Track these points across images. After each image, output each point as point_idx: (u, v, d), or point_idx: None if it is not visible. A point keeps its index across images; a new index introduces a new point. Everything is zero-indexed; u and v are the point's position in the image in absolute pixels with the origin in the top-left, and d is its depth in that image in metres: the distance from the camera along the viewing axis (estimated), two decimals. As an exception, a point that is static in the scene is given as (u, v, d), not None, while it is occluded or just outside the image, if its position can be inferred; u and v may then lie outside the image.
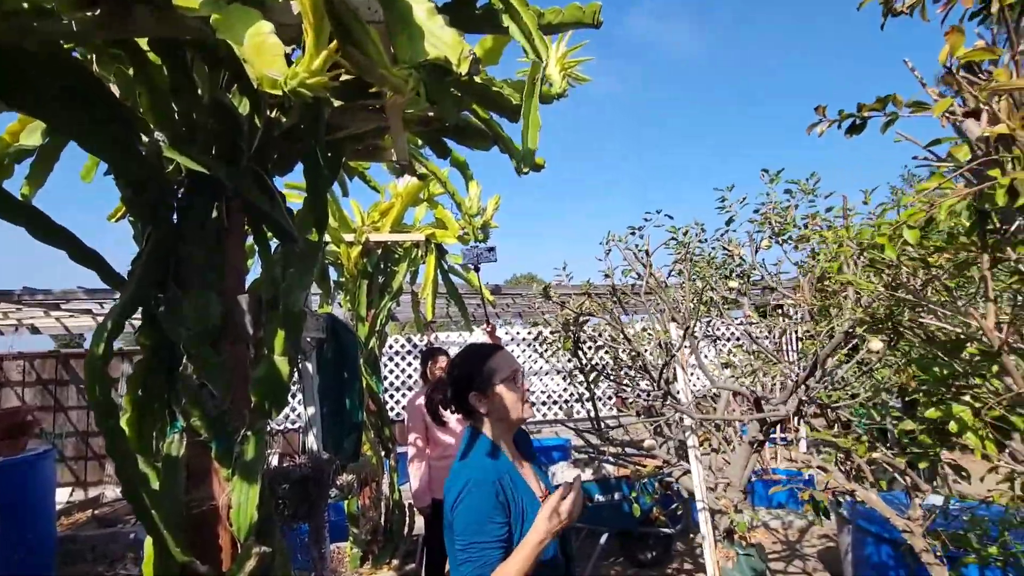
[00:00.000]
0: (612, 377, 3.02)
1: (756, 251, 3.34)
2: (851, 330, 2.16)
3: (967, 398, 0.91)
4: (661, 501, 4.65)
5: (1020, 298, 1.12)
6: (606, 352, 3.22)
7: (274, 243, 1.65)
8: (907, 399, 2.05)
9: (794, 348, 5.59)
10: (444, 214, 3.46)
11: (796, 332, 2.66)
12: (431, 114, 1.76)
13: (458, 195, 2.28)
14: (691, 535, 5.14)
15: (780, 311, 5.39)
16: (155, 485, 1.31)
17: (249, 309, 1.45)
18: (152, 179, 1.36)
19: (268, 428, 1.43)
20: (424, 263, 3.52)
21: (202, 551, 1.33)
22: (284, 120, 1.49)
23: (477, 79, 1.49)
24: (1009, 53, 1.02)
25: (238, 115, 1.47)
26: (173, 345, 1.34)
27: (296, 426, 6.72)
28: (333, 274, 3.54)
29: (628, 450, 3.56)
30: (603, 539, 4.45)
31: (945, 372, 0.95)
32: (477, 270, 3.11)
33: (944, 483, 1.96)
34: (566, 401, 7.92)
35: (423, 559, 3.23)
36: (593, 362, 3.22)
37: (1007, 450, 0.90)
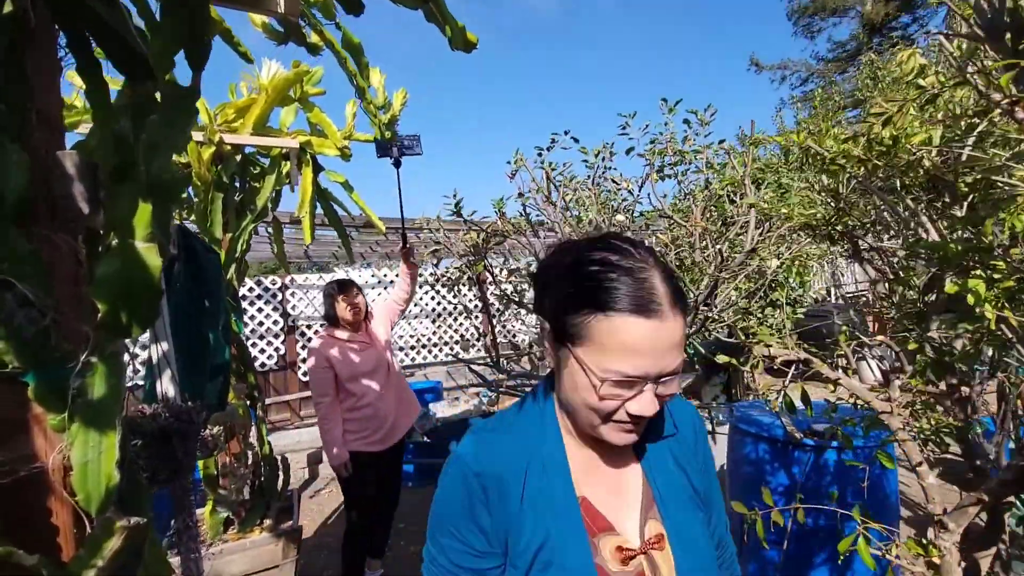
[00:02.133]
0: (522, 303, 2.88)
1: (642, 185, 3.41)
2: (753, 248, 2.29)
3: (979, 272, 0.90)
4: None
5: None
6: (508, 283, 3.07)
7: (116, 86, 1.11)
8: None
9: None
10: (322, 118, 2.88)
11: (693, 258, 2.77)
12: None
13: (360, 78, 1.83)
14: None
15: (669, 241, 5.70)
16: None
17: (79, 176, 0.95)
18: None
19: (124, 351, 0.98)
20: (289, 179, 2.93)
21: (24, 536, 0.88)
22: None
23: None
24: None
25: None
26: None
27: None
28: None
29: (523, 381, 3.52)
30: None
31: (960, 249, 0.93)
32: (397, 165, 2.64)
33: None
34: (435, 344, 7.74)
35: (348, 528, 2.89)
36: (498, 293, 3.03)
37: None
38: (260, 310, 6.49)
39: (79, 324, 0.95)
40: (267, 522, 2.86)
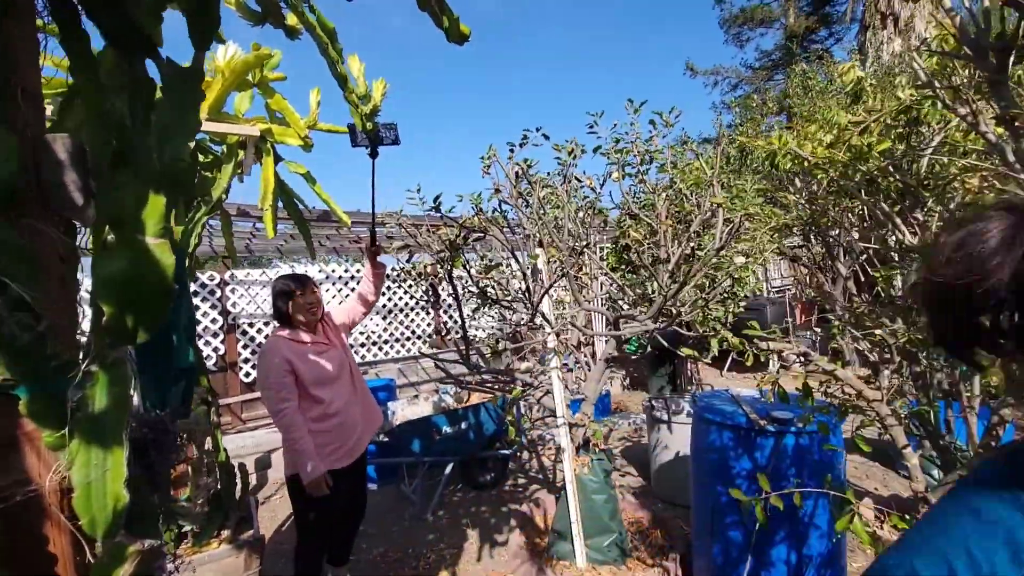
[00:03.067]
0: (500, 301, 2.86)
1: (603, 183, 3.49)
2: (722, 246, 2.40)
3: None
4: (500, 423, 4.84)
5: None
6: (478, 280, 3.04)
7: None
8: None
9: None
10: (283, 105, 2.71)
11: (658, 255, 2.86)
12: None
13: (341, 66, 1.74)
14: (518, 454, 5.50)
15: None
16: None
17: (72, 162, 0.84)
18: None
19: (128, 360, 0.88)
20: (241, 169, 2.75)
21: (18, 568, 0.78)
22: None
23: None
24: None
25: None
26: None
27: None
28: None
29: (486, 376, 3.52)
30: (448, 469, 4.45)
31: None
32: (374, 155, 2.40)
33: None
34: (385, 341, 7.55)
35: (307, 548, 2.58)
36: (470, 289, 3.00)
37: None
38: (197, 308, 6.06)
39: (72, 329, 0.86)
40: (224, 533, 2.70)
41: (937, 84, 1.35)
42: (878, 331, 1.20)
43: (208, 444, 2.74)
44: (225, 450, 2.88)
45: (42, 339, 0.79)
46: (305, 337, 2.52)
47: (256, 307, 6.35)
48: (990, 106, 1.36)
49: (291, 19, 1.70)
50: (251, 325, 6.31)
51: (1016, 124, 1.03)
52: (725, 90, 23.08)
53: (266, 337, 6.49)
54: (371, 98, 2.06)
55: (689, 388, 7.32)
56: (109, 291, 0.80)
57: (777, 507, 2.45)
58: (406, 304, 7.61)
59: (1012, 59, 1.03)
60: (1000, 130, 1.31)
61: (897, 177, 1.45)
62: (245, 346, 6.21)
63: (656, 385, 7.67)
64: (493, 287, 2.93)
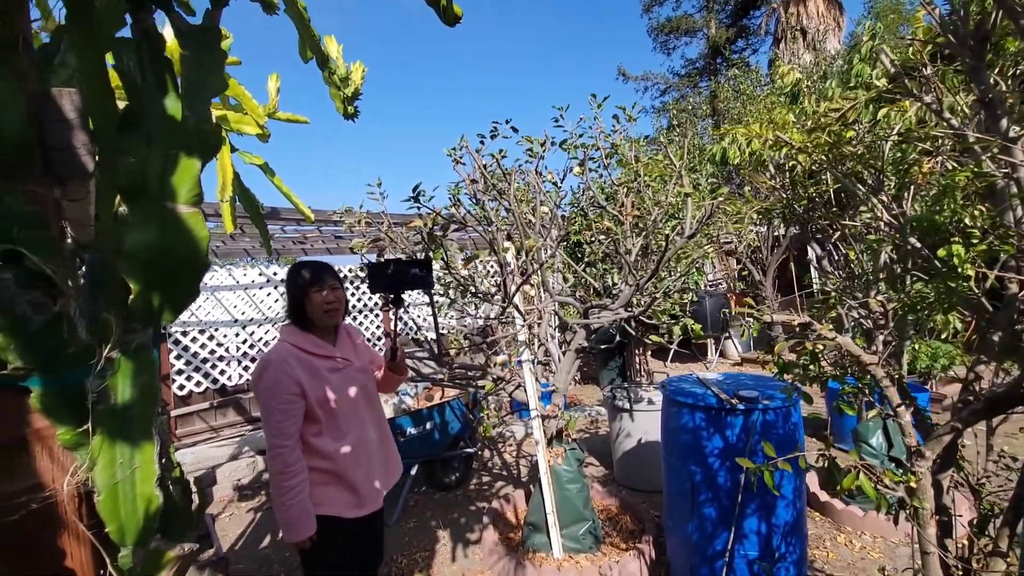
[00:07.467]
0: (479, 293, 2.81)
1: (564, 178, 3.55)
2: (693, 233, 2.50)
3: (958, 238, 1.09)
4: (465, 422, 4.78)
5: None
6: (457, 273, 2.98)
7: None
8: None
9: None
10: (240, 91, 2.53)
11: (628, 246, 2.93)
12: None
13: (322, 46, 1.65)
14: (480, 452, 5.46)
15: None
16: None
17: (81, 122, 0.73)
18: None
19: (152, 344, 0.78)
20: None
21: (30, 590, 0.67)
22: None
23: None
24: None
25: None
26: None
27: None
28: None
29: (459, 371, 3.46)
30: (413, 471, 4.33)
31: (944, 218, 1.11)
32: (398, 303, 2.00)
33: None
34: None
35: None
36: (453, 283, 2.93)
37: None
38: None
39: (79, 310, 0.76)
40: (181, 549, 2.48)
41: (905, 77, 1.47)
42: (879, 298, 1.30)
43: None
44: (179, 464, 2.65)
45: (58, 321, 0.68)
46: (321, 348, 1.98)
47: (190, 314, 5.90)
48: (951, 96, 1.50)
49: (269, -9, 1.59)
50: (184, 334, 5.84)
51: (992, 105, 1.15)
52: (655, 95, 24.17)
53: (220, 345, 6.02)
54: (351, 81, 1.97)
55: (639, 379, 7.57)
56: (135, 265, 0.71)
57: (751, 480, 2.59)
58: (365, 305, 7.36)
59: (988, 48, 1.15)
60: (959, 115, 1.45)
61: (870, 161, 1.57)
62: (179, 356, 5.74)
63: (607, 378, 7.88)
64: (472, 279, 2.88)
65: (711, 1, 22.52)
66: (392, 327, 2.11)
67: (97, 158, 0.79)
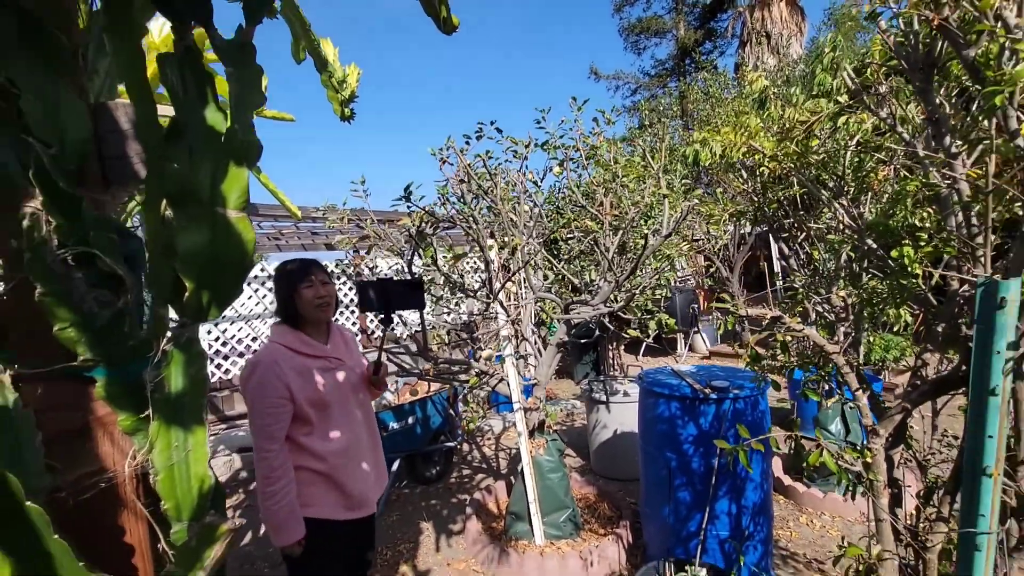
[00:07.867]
0: (466, 289, 2.88)
1: (543, 177, 3.66)
2: (670, 232, 2.64)
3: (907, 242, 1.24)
4: (446, 416, 4.86)
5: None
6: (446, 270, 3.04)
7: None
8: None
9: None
10: (225, 89, 2.54)
11: (606, 244, 3.06)
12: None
13: (320, 50, 1.70)
14: (459, 446, 5.54)
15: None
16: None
17: (133, 134, 0.78)
18: None
19: (199, 339, 0.84)
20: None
21: (93, 562, 0.73)
22: None
23: None
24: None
25: None
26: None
27: None
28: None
29: (443, 366, 3.53)
30: (395, 465, 4.38)
31: (897, 223, 1.26)
32: (387, 322, 2.03)
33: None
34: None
35: None
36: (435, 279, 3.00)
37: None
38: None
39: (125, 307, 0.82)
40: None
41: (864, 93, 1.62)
42: (840, 294, 1.45)
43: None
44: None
45: (121, 317, 0.74)
46: (312, 348, 1.95)
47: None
48: (904, 108, 1.66)
49: (270, -4, 1.63)
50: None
51: (938, 123, 1.30)
52: (626, 94, 24.55)
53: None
54: (348, 84, 2.01)
55: (613, 373, 7.77)
56: (189, 266, 0.77)
57: (725, 463, 2.76)
58: (339, 302, 7.31)
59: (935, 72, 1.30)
60: (909, 128, 1.61)
61: (831, 168, 1.73)
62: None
63: (581, 372, 8.06)
64: (460, 276, 2.96)
65: (680, 3, 22.98)
66: (379, 344, 2.11)
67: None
